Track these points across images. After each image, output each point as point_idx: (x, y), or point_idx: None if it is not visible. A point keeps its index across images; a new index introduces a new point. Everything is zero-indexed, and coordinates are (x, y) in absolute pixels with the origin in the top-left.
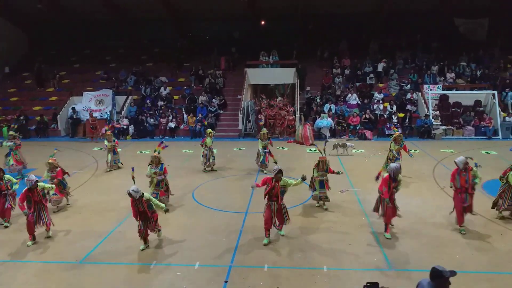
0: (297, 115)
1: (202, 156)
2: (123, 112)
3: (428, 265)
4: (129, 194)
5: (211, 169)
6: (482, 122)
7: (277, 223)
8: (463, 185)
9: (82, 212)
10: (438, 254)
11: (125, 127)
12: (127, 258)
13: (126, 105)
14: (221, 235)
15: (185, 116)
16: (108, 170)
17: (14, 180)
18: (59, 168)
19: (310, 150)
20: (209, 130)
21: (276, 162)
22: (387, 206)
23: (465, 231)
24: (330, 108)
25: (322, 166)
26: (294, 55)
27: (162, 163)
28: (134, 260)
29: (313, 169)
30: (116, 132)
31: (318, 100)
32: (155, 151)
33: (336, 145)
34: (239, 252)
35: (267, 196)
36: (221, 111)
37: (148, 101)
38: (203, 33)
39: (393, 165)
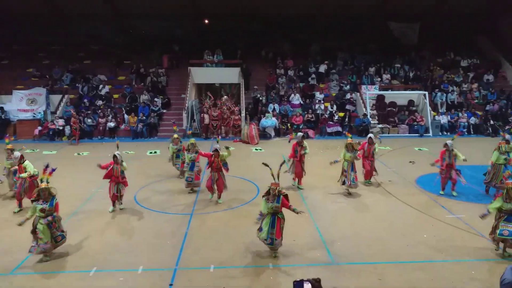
0: (243, 114)
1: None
2: (58, 112)
3: (367, 258)
4: (114, 156)
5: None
6: (415, 121)
7: (216, 191)
8: (369, 154)
9: (13, 219)
10: (376, 247)
11: (60, 127)
12: (64, 266)
13: (62, 104)
14: (165, 238)
15: (125, 115)
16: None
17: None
18: None
19: (256, 149)
20: (175, 135)
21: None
22: (295, 165)
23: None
24: (274, 108)
25: (273, 196)
26: (239, 55)
27: (53, 196)
28: (72, 267)
29: (263, 198)
30: (51, 133)
31: (263, 100)
32: (41, 180)
33: (357, 144)
34: (185, 254)
35: (210, 168)
36: (164, 111)
37: (85, 100)
38: (144, 30)
39: (299, 134)
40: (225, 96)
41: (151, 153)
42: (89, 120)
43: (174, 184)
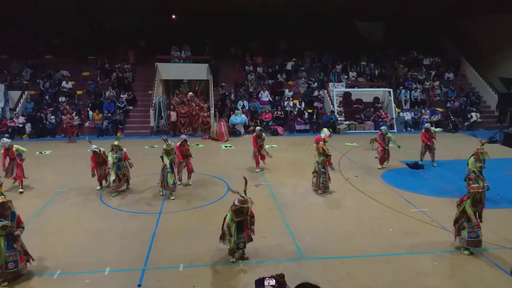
0: (212, 111)
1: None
2: (17, 109)
3: (336, 253)
4: (94, 151)
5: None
6: (380, 117)
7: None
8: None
9: None
10: (344, 242)
11: (20, 125)
12: (26, 270)
13: (22, 101)
14: (133, 238)
15: (90, 112)
16: None
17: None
18: None
19: (225, 146)
20: (115, 142)
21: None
22: (255, 154)
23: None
24: (243, 104)
25: (242, 212)
26: (207, 51)
27: (13, 211)
28: (34, 271)
29: (228, 213)
30: (10, 131)
31: (232, 96)
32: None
33: (373, 140)
34: (153, 254)
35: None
36: (131, 107)
37: (47, 96)
38: (109, 25)
39: (258, 128)
40: (191, 93)
41: None
42: (52, 118)
43: (141, 182)
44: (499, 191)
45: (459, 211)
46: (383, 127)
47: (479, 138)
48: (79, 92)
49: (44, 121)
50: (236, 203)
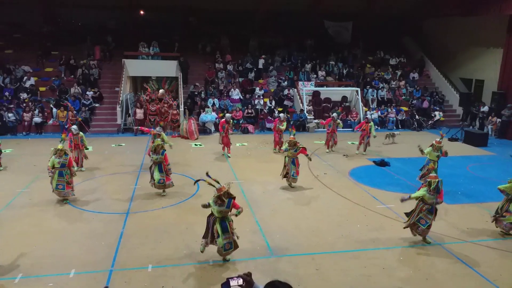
0: (181, 109)
1: None
2: None
3: (305, 249)
4: (74, 129)
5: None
6: (348, 116)
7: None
8: (275, 128)
9: None
10: (314, 238)
11: None
12: None
13: None
14: (99, 239)
15: (54, 110)
16: None
17: None
18: None
19: (195, 144)
20: (59, 145)
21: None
22: (222, 137)
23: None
24: (213, 102)
25: (222, 201)
26: (176, 48)
27: None
28: None
29: (212, 199)
30: None
31: (203, 94)
32: None
33: (388, 135)
34: (121, 255)
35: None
36: (97, 105)
37: (7, 93)
38: (74, 19)
39: (228, 115)
40: (162, 90)
41: None
42: (10, 115)
43: (108, 181)
44: (460, 187)
45: (416, 197)
46: (334, 114)
47: (441, 131)
48: (42, 89)
49: (4, 119)
50: (216, 193)
